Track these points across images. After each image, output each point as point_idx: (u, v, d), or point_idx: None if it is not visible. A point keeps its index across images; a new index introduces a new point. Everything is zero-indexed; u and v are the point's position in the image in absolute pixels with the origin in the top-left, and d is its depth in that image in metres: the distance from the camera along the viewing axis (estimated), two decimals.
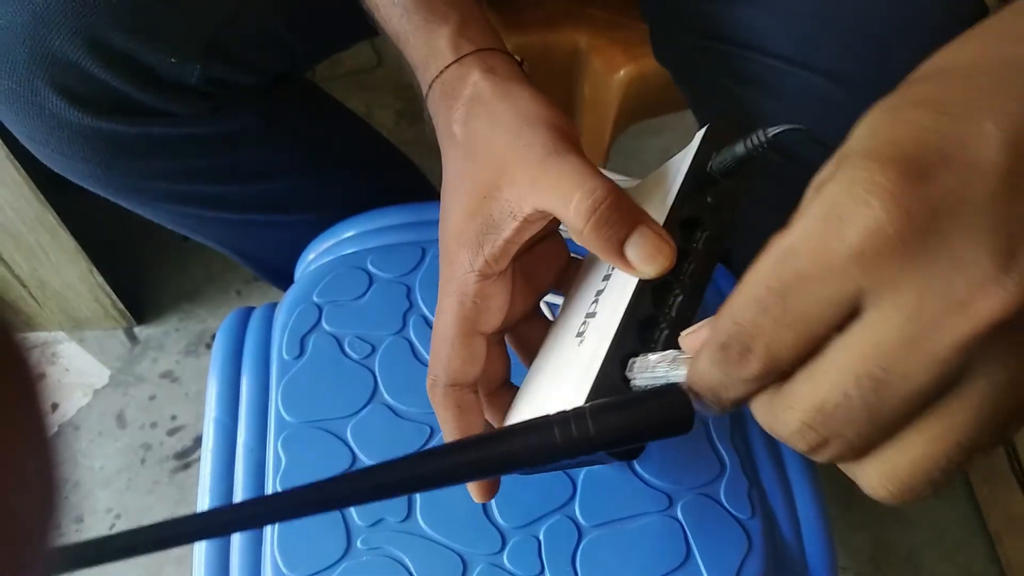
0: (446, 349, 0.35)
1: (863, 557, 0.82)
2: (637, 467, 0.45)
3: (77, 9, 0.43)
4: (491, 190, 0.34)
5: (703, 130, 0.35)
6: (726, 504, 0.44)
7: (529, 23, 0.62)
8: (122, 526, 0.85)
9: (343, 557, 0.42)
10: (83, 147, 0.48)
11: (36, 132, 0.48)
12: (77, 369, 0.96)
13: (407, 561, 0.42)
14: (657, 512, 0.44)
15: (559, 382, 0.34)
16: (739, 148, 0.32)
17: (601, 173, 0.33)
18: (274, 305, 0.52)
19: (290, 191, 0.58)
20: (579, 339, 0.34)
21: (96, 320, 0.96)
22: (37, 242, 0.82)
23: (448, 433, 0.36)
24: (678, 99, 0.56)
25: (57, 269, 0.86)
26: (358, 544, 0.42)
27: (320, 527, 0.43)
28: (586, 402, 0.28)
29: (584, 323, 0.35)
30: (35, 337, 0.98)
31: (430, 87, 0.38)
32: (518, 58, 0.38)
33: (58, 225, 0.80)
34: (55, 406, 0.93)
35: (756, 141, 0.31)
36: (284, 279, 0.61)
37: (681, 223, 0.33)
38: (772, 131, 0.31)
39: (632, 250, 0.32)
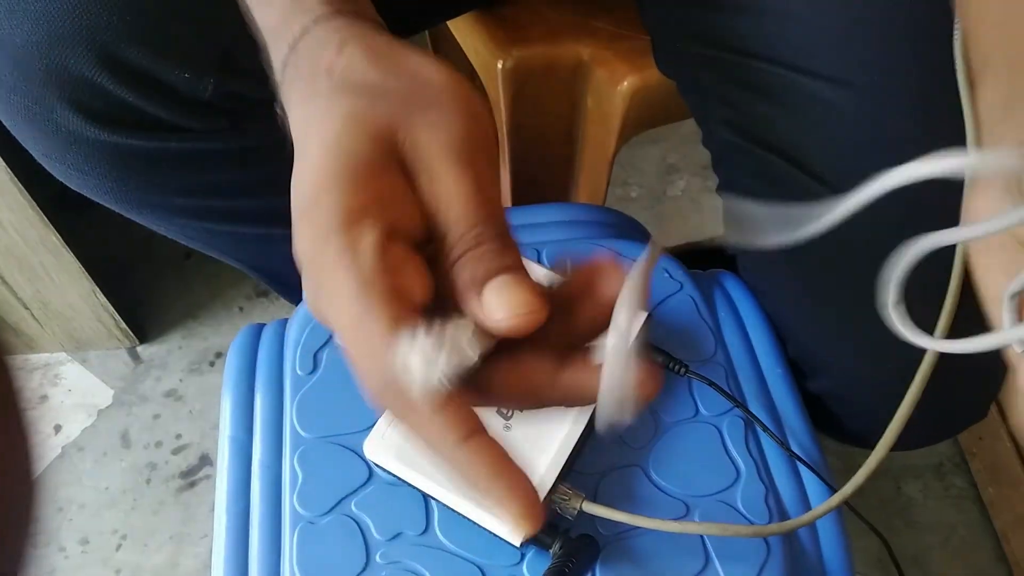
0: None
1: (871, 559, 0.82)
2: (653, 475, 0.45)
3: (91, 26, 0.43)
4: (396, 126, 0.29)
5: None
6: (743, 511, 0.44)
7: (532, 37, 0.62)
8: (128, 547, 0.85)
9: (362, 572, 0.42)
10: (100, 163, 0.48)
11: (53, 150, 0.48)
12: (80, 390, 0.95)
13: (426, 574, 0.42)
14: (675, 520, 0.44)
15: None
16: None
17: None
18: (285, 321, 0.52)
19: None
20: (504, 424, 0.44)
21: (99, 340, 0.96)
22: (40, 263, 0.82)
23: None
24: (682, 108, 0.56)
25: (60, 290, 0.86)
26: (377, 558, 0.42)
27: (339, 541, 0.43)
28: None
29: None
30: (36, 359, 0.97)
31: (293, 48, 0.33)
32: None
33: (61, 246, 0.80)
34: (58, 428, 0.93)
35: None
36: (301, 293, 0.61)
37: None
38: None
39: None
